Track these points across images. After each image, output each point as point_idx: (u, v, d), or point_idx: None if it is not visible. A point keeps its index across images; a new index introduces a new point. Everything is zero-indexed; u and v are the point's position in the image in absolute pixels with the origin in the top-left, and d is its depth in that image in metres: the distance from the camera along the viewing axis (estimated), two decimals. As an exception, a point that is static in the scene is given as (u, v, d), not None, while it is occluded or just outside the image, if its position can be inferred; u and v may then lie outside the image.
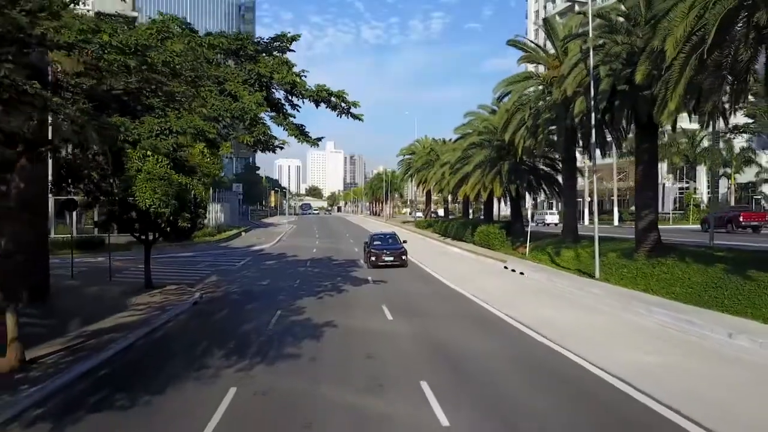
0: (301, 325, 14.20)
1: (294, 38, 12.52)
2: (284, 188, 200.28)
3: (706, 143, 62.38)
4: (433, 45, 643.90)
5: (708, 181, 72.58)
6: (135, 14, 40.72)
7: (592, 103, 19.70)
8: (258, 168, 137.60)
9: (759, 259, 15.80)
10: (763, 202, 68.48)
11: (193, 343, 12.47)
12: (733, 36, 13.74)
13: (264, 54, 11.75)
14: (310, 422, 7.64)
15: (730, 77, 15.10)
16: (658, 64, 15.27)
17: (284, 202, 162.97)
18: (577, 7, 33.12)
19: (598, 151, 23.00)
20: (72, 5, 7.74)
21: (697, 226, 42.09)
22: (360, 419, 7.74)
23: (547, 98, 25.46)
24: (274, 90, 10.70)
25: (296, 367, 10.34)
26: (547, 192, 34.75)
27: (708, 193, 73.09)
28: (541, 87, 27.13)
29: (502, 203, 46.54)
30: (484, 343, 12.21)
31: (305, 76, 10.53)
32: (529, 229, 29.16)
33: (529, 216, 51.59)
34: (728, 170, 62.94)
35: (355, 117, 11.16)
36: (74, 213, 28.54)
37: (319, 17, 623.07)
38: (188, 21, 12.31)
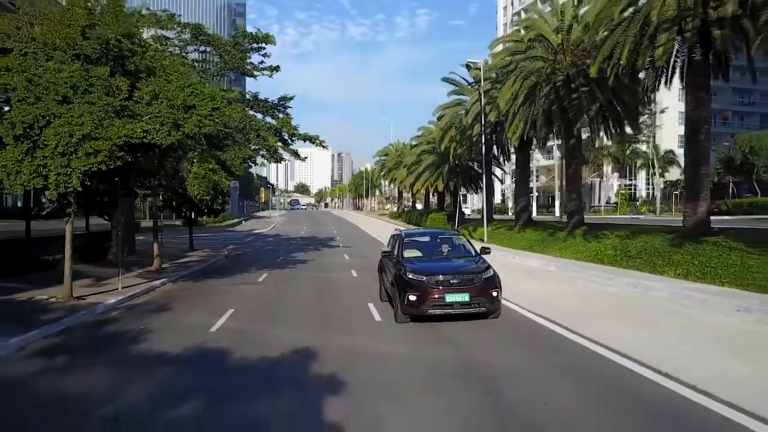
0: (296, 260, 24.92)
1: (292, 98, 23.22)
2: (273, 185, 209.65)
3: (644, 147, 74.22)
4: (419, 42, 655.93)
5: (646, 179, 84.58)
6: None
7: (482, 128, 30.56)
8: (250, 165, 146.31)
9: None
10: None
11: (238, 265, 23.14)
12: (537, 98, 24.59)
13: (276, 110, 22.39)
14: (308, 279, 18.41)
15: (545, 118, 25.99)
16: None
17: (273, 198, 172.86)
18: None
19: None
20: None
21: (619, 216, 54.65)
22: (324, 278, 18.50)
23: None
24: (283, 134, 21.27)
25: (294, 270, 21.11)
26: (476, 188, 45.70)
27: (647, 188, 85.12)
28: (464, 111, 37.86)
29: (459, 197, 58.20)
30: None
31: (299, 126, 21.20)
32: (457, 215, 40.08)
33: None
34: (654, 170, 74.69)
35: (324, 147, 21.99)
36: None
37: (304, 14, 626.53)
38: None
